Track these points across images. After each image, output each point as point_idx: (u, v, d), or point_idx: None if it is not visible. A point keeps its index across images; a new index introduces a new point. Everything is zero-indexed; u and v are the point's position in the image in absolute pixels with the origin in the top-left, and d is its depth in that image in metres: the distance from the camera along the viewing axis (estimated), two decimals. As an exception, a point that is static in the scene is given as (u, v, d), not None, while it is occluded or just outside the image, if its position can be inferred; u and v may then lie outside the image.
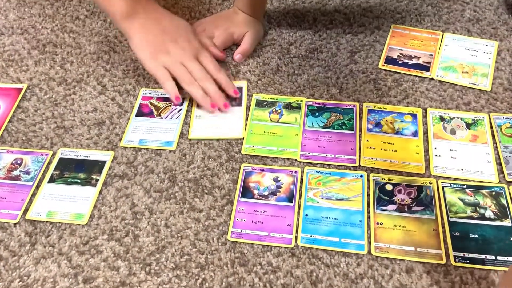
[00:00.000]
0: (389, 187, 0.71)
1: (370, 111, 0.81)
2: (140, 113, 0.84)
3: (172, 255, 0.66)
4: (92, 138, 0.81)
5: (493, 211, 0.67)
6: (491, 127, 0.77)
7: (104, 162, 0.77)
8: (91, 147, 0.80)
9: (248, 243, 0.67)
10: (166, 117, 0.83)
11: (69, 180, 0.75)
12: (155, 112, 0.84)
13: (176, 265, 0.65)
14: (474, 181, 0.71)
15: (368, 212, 0.69)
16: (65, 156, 0.78)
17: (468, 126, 0.78)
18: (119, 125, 0.83)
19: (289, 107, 0.83)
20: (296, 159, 0.76)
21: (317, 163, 0.75)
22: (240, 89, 0.85)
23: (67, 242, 0.68)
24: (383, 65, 0.88)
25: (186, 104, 0.85)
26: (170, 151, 0.78)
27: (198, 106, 0.83)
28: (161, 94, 0.86)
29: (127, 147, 0.79)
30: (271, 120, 0.82)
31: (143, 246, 0.67)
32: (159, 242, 0.68)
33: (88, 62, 0.93)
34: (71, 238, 0.69)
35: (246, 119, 0.81)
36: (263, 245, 0.67)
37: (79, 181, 0.75)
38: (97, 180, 0.75)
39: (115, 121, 0.83)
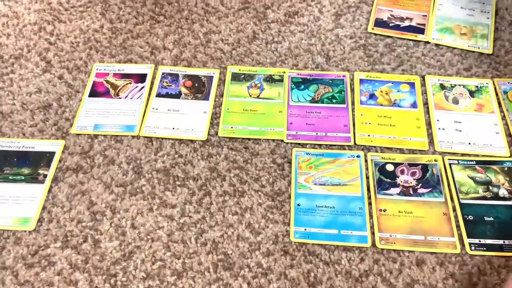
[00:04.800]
0: (390, 167, 0.62)
1: (362, 81, 0.71)
2: (94, 93, 0.71)
3: (142, 262, 0.55)
4: (37, 125, 0.67)
5: (507, 189, 0.59)
6: (497, 94, 0.69)
7: (53, 154, 0.64)
8: (36, 136, 0.66)
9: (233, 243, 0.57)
10: (126, 97, 0.70)
11: (10, 178, 0.62)
12: (112, 91, 0.71)
13: (148, 274, 0.55)
14: (483, 156, 0.63)
15: (369, 198, 0.60)
16: (4, 148, 0.65)
17: (472, 94, 0.69)
18: (70, 108, 0.69)
19: (270, 80, 0.72)
20: (282, 140, 0.66)
21: (307, 144, 0.65)
22: (209, 78, 0.72)
23: (11, 254, 0.56)
24: (373, 29, 0.78)
25: (149, 81, 0.72)
26: (132, 137, 0.66)
27: (158, 95, 0.70)
28: (118, 70, 0.73)
29: (80, 134, 0.66)
30: (250, 95, 0.71)
31: (106, 254, 0.56)
32: (125, 248, 0.56)
33: (28, 34, 0.78)
34: (17, 248, 0.57)
35: (217, 117, 0.68)
36: (250, 244, 0.57)
37: (23, 178, 0.62)
38: (45, 176, 0.62)
39: (64, 103, 0.70)
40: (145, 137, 0.66)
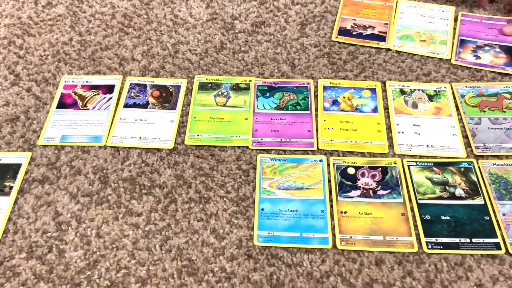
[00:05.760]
0: (351, 170, 0.64)
1: (325, 88, 0.73)
2: (62, 105, 0.71)
3: (107, 271, 0.56)
4: (4, 137, 0.68)
5: (463, 189, 0.62)
6: (454, 98, 0.72)
7: (19, 166, 0.64)
8: (3, 148, 0.67)
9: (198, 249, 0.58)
10: (93, 108, 0.71)
11: (-24, 190, 0.62)
12: (79, 103, 0.72)
13: (112, 282, 0.55)
14: (441, 157, 0.65)
15: (331, 201, 0.61)
16: (-30, 161, 0.65)
17: (430, 98, 0.72)
18: (37, 120, 0.70)
19: (236, 88, 0.74)
20: (247, 147, 0.67)
21: (271, 149, 0.67)
22: (177, 87, 0.74)
23: (-25, 266, 0.56)
24: (337, 37, 0.80)
25: (117, 92, 0.73)
26: (99, 147, 0.67)
27: (125, 105, 0.71)
28: (86, 82, 0.74)
29: (47, 145, 0.67)
30: (217, 104, 0.72)
31: (71, 263, 0.56)
32: (90, 256, 0.57)
33: (-3, 48, 0.79)
34: (-19, 261, 0.57)
35: (183, 126, 0.69)
36: (215, 249, 0.58)
37: (-11, 190, 0.62)
38: (11, 188, 0.62)
39: (32, 115, 0.70)
40: (112, 147, 0.67)
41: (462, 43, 0.79)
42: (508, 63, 0.75)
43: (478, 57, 0.76)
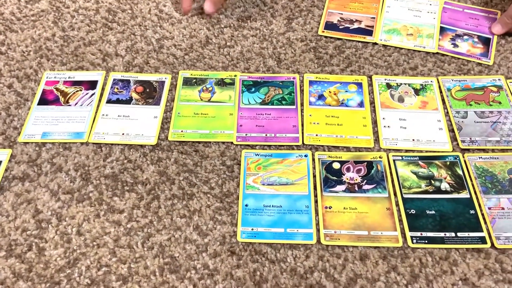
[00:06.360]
0: (336, 165, 0.63)
1: (311, 82, 0.73)
2: (43, 101, 0.70)
3: (87, 269, 0.55)
4: (-16, 134, 0.67)
5: (449, 183, 0.61)
6: (441, 92, 0.71)
7: (-1, 163, 0.63)
8: (-17, 145, 0.66)
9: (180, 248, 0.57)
10: (76, 104, 0.70)
11: (-46, 189, 0.61)
12: (62, 99, 0.70)
13: (92, 280, 0.54)
14: (426, 151, 0.65)
15: (315, 196, 0.61)
16: (-51, 159, 0.64)
17: (417, 92, 0.71)
18: (18, 117, 0.69)
19: (221, 83, 0.73)
20: (232, 142, 0.66)
21: (256, 145, 0.66)
22: (161, 83, 0.73)
23: (-47, 266, 0.55)
24: (323, 32, 0.80)
25: (99, 88, 0.72)
26: (81, 143, 0.66)
27: (108, 101, 0.70)
28: (69, 77, 0.73)
29: (27, 142, 0.66)
30: (201, 99, 0.71)
31: (50, 261, 0.55)
32: (70, 254, 0.56)
33: (-22, 44, 0.78)
34: (-41, 260, 0.56)
35: (167, 121, 0.68)
36: (198, 246, 0.57)
37: (-32, 188, 0.61)
38: (-10, 186, 0.61)
39: (13, 112, 0.69)
40: (94, 143, 0.66)
41: (442, 30, 0.80)
42: (484, 53, 0.76)
43: (456, 45, 0.77)
